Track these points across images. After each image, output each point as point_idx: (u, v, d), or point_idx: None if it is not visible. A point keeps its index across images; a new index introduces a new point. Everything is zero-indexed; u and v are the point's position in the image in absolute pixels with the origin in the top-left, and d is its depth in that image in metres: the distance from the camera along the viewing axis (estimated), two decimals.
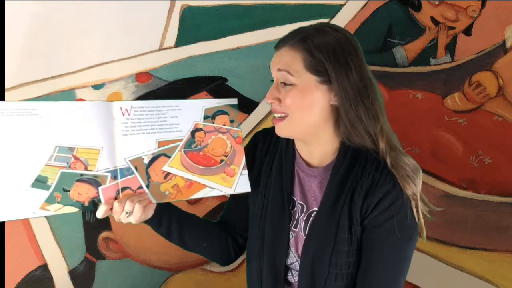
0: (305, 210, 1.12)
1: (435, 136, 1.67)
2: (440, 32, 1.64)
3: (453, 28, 1.64)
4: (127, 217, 0.99)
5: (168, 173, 1.05)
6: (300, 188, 1.14)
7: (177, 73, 1.65)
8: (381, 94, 1.07)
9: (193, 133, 1.10)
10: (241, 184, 1.12)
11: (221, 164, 1.11)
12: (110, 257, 1.68)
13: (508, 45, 1.60)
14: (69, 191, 0.96)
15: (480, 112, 1.64)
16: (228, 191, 1.10)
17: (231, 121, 1.15)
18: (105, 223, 1.65)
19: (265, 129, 1.26)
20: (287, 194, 1.13)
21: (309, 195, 1.12)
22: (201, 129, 1.11)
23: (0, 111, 0.93)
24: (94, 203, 0.98)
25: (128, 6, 1.59)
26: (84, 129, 0.99)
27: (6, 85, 1.52)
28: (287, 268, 1.14)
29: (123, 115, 1.03)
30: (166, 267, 1.73)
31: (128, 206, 0.97)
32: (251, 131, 1.67)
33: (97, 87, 1.61)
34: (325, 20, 1.64)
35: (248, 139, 1.26)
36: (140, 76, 1.63)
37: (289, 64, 1.02)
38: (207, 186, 1.09)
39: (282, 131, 1.08)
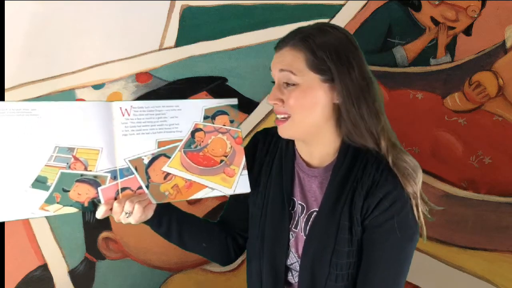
0: (305, 211, 1.12)
1: (435, 136, 1.67)
2: (440, 32, 1.64)
3: (453, 28, 1.64)
4: (127, 217, 0.99)
5: (168, 174, 1.05)
6: (300, 188, 1.14)
7: (177, 73, 1.65)
8: (382, 92, 1.07)
9: (193, 133, 1.10)
10: (241, 184, 1.11)
11: (221, 164, 1.11)
12: (110, 257, 1.68)
13: (508, 45, 1.60)
14: (68, 191, 0.96)
15: (480, 112, 1.64)
16: (228, 191, 1.10)
17: (231, 121, 1.15)
18: (105, 223, 1.66)
19: (265, 129, 1.26)
20: (287, 195, 1.13)
21: (309, 196, 1.12)
22: (201, 129, 1.11)
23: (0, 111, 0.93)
24: (94, 204, 0.97)
25: (128, 6, 1.59)
26: (83, 129, 0.99)
27: (6, 85, 1.52)
28: (287, 269, 1.14)
29: (123, 115, 1.03)
30: (166, 267, 1.73)
31: (127, 206, 0.97)
32: (251, 131, 1.67)
33: (97, 87, 1.61)
34: (325, 20, 1.64)
35: (248, 139, 1.26)
36: (140, 76, 1.63)
37: (292, 64, 1.02)
38: (207, 186, 1.09)
39: (285, 132, 1.07)
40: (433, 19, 1.64)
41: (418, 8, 1.65)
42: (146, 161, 1.04)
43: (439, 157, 1.67)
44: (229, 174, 1.11)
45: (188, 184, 1.07)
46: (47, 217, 1.58)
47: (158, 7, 1.62)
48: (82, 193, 0.96)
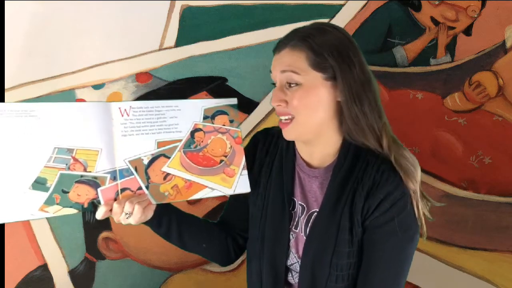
0: (305, 211, 1.12)
1: (435, 136, 1.67)
2: (440, 32, 1.64)
3: (453, 28, 1.64)
4: (127, 218, 0.98)
5: (168, 174, 1.05)
6: (301, 188, 1.14)
7: (177, 73, 1.65)
8: (380, 90, 1.08)
9: (192, 133, 1.10)
10: (241, 184, 1.11)
11: (221, 164, 1.11)
12: (110, 257, 1.68)
13: (508, 45, 1.60)
14: (68, 192, 0.95)
15: (480, 112, 1.64)
16: (228, 191, 1.10)
17: (231, 121, 1.14)
18: (105, 223, 1.66)
19: (265, 129, 1.26)
20: (287, 195, 1.13)
21: (310, 196, 1.12)
22: (200, 129, 1.11)
23: None
24: (94, 205, 0.97)
25: (128, 6, 1.59)
26: (83, 130, 0.99)
27: (6, 85, 1.52)
28: (287, 269, 1.14)
29: (122, 115, 1.03)
30: (166, 267, 1.73)
31: (127, 207, 0.97)
32: (251, 131, 1.67)
33: (97, 87, 1.61)
34: (325, 20, 1.64)
35: (248, 139, 1.26)
36: (140, 76, 1.63)
37: (293, 64, 1.02)
38: (206, 186, 1.08)
39: (289, 134, 1.07)
40: (433, 19, 1.64)
41: (418, 8, 1.64)
42: (145, 161, 1.03)
43: (439, 157, 1.67)
44: (229, 174, 1.11)
45: (188, 185, 1.07)
46: (47, 218, 1.58)
47: (158, 7, 1.62)
48: (81, 194, 0.96)
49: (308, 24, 1.08)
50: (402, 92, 1.67)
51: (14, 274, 1.60)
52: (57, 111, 0.98)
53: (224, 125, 1.14)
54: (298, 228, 1.12)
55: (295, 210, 1.13)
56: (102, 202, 0.98)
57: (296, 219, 1.13)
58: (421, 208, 1.03)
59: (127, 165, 1.01)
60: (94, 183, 0.98)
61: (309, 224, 1.10)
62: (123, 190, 1.00)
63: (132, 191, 1.01)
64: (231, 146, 1.13)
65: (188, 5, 1.62)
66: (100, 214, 0.97)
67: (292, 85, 1.02)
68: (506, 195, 1.64)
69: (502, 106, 1.62)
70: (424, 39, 1.66)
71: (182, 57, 1.64)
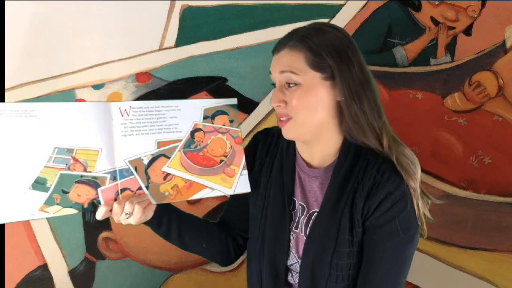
0: (305, 211, 1.12)
1: (435, 136, 1.67)
2: (440, 32, 1.64)
3: (453, 28, 1.64)
4: (127, 218, 0.98)
5: (168, 174, 1.05)
6: (301, 189, 1.14)
7: (177, 73, 1.65)
8: (380, 90, 1.08)
9: (192, 133, 1.10)
10: (241, 184, 1.11)
11: (221, 164, 1.11)
12: (110, 257, 1.68)
13: (508, 45, 1.60)
14: (68, 192, 0.95)
15: (480, 112, 1.64)
16: (228, 191, 1.10)
17: (231, 121, 1.14)
18: (105, 223, 1.66)
19: (266, 129, 1.26)
20: (287, 195, 1.13)
21: (310, 196, 1.12)
22: (200, 129, 1.11)
23: None
24: (94, 205, 0.97)
25: (128, 6, 1.59)
26: (83, 130, 0.99)
27: (6, 85, 1.52)
28: (288, 269, 1.14)
29: (122, 115, 1.03)
30: (166, 267, 1.73)
31: (127, 207, 0.97)
32: (251, 131, 1.67)
33: (97, 87, 1.61)
34: (325, 20, 1.64)
35: (248, 139, 1.26)
36: (140, 76, 1.63)
37: (292, 64, 1.02)
38: (207, 186, 1.08)
39: (288, 133, 1.07)
40: (433, 19, 1.64)
41: (418, 8, 1.64)
42: (145, 161, 1.03)
43: (439, 157, 1.67)
44: (229, 174, 1.11)
45: (188, 185, 1.07)
46: (47, 218, 1.58)
47: (158, 7, 1.62)
48: (81, 194, 0.96)
49: (307, 24, 1.08)
50: (402, 92, 1.67)
51: (14, 274, 1.60)
52: (57, 111, 0.98)
53: (224, 125, 1.14)
54: (299, 228, 1.12)
55: (295, 210, 1.13)
56: (102, 202, 0.98)
57: (296, 219, 1.13)
58: (421, 207, 1.03)
59: (127, 165, 1.01)
60: (94, 183, 0.98)
61: (309, 224, 1.10)
62: (123, 190, 1.00)
63: (132, 191, 1.01)
64: (231, 146, 1.13)
65: (188, 5, 1.62)
66: (100, 214, 0.97)
67: (291, 85, 1.03)
68: (506, 195, 1.64)
69: (502, 106, 1.62)
70: (424, 39, 1.66)
71: (182, 57, 1.64)
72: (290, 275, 1.14)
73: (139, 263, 1.70)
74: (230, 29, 1.65)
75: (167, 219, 1.11)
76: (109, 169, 0.99)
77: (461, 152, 1.66)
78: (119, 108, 1.03)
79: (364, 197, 1.03)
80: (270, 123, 1.65)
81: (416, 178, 1.02)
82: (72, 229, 1.64)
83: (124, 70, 1.62)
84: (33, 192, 0.93)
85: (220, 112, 1.14)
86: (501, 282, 1.68)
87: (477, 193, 1.66)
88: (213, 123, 1.12)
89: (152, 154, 1.05)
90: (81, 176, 0.97)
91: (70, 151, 0.97)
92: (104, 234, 1.67)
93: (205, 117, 1.12)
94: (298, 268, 1.10)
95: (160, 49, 1.63)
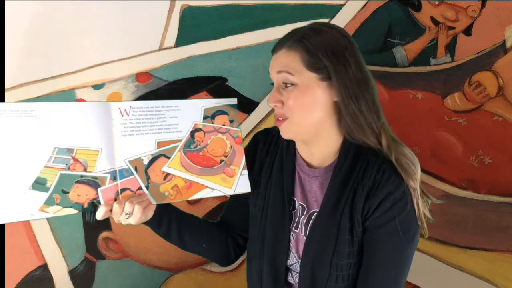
0: (305, 211, 1.12)
1: (435, 136, 1.67)
2: (440, 32, 1.64)
3: (453, 28, 1.64)
4: (127, 218, 0.98)
5: (168, 174, 1.05)
6: (301, 188, 1.14)
7: (177, 73, 1.65)
8: (379, 90, 1.08)
9: (192, 133, 1.10)
10: (241, 184, 1.11)
11: (221, 164, 1.11)
12: (110, 257, 1.68)
13: (508, 45, 1.60)
14: (68, 192, 0.95)
15: (480, 112, 1.64)
16: (228, 191, 1.10)
17: (231, 121, 1.15)
18: (105, 223, 1.66)
19: (266, 129, 1.26)
20: (287, 195, 1.13)
21: (310, 196, 1.12)
22: (200, 129, 1.11)
23: None
24: (94, 205, 0.97)
25: (128, 6, 1.59)
26: (83, 130, 0.99)
27: (6, 85, 1.52)
28: (288, 269, 1.14)
29: (122, 115, 1.03)
30: (166, 267, 1.73)
31: (127, 207, 0.97)
32: (251, 131, 1.68)
33: (97, 87, 1.61)
34: (325, 20, 1.64)
35: (248, 139, 1.26)
36: (140, 76, 1.63)
37: (288, 65, 1.02)
38: (207, 186, 1.08)
39: (286, 133, 1.08)
40: (433, 19, 1.64)
41: (418, 8, 1.64)
42: (145, 161, 1.03)
43: (439, 157, 1.67)
44: (229, 174, 1.11)
45: (188, 185, 1.07)
46: (47, 218, 1.58)
47: (158, 7, 1.61)
48: (81, 194, 0.96)
49: (307, 24, 1.08)
50: (402, 92, 1.67)
51: (14, 274, 1.60)
52: (57, 111, 0.98)
53: (224, 125, 1.14)
54: (299, 228, 1.12)
55: (295, 210, 1.13)
56: (102, 202, 0.98)
57: (296, 219, 1.13)
58: (421, 207, 1.03)
59: (127, 165, 1.01)
60: (94, 183, 0.98)
61: (309, 224, 1.10)
62: (123, 190, 1.00)
63: (132, 191, 1.01)
64: (231, 146, 1.13)
65: (188, 5, 1.62)
66: (100, 214, 0.97)
67: (288, 85, 1.03)
68: (506, 195, 1.64)
69: (502, 106, 1.62)
70: (424, 39, 1.66)
71: (182, 57, 1.64)
72: (290, 275, 1.14)
73: (139, 263, 1.70)
74: (230, 29, 1.65)
75: (167, 219, 1.11)
76: (109, 169, 0.99)
77: (461, 152, 1.66)
78: (119, 108, 1.03)
79: (364, 197, 1.03)
80: (270, 123, 1.65)
81: (416, 178, 1.02)
82: (72, 229, 1.64)
83: (124, 70, 1.62)
84: (33, 192, 0.93)
85: (220, 112, 1.14)
86: (501, 282, 1.68)
87: (477, 193, 1.66)
88: (213, 123, 1.12)
89: (152, 154, 1.05)
90: (81, 176, 0.97)
91: (70, 151, 0.97)
92: (104, 234, 1.67)
93: (205, 117, 1.12)
94: (298, 268, 1.10)
95: (160, 49, 1.63)
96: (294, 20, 1.62)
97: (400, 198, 1.01)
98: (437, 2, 1.63)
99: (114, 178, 0.99)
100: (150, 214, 1.04)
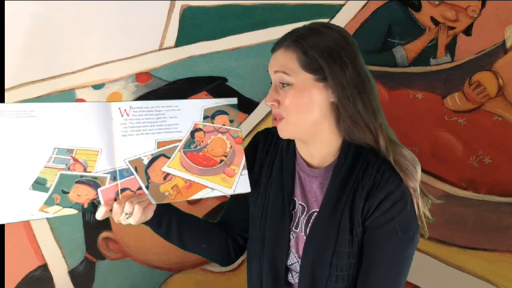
0: (305, 211, 1.12)
1: (435, 136, 1.67)
2: (440, 32, 1.64)
3: (453, 28, 1.63)
4: (127, 218, 0.99)
5: (168, 174, 1.05)
6: (301, 188, 1.14)
7: (177, 73, 1.65)
8: (377, 89, 1.08)
9: (192, 133, 1.10)
10: (241, 184, 1.11)
11: (221, 164, 1.11)
12: (110, 257, 1.68)
13: (508, 45, 1.60)
14: (68, 193, 0.95)
15: (480, 112, 1.64)
16: (228, 191, 1.10)
17: (231, 121, 1.15)
18: (105, 223, 1.66)
19: (266, 129, 1.26)
20: (287, 195, 1.13)
21: (310, 196, 1.12)
22: (200, 129, 1.11)
23: None
24: (94, 205, 0.97)
25: (128, 6, 1.59)
26: (83, 130, 0.99)
27: (6, 85, 1.52)
28: (288, 269, 1.14)
29: (122, 115, 1.03)
30: (166, 267, 1.73)
31: (127, 207, 0.97)
32: (251, 131, 1.68)
33: (97, 87, 1.61)
34: (325, 20, 1.64)
35: (248, 139, 1.26)
36: (140, 76, 1.63)
37: (285, 65, 1.03)
38: (207, 186, 1.08)
39: (283, 132, 1.08)
40: (433, 19, 1.64)
41: (418, 8, 1.64)
42: (145, 161, 1.04)
43: (439, 157, 1.67)
44: (229, 174, 1.11)
45: (188, 185, 1.07)
46: (47, 218, 1.58)
47: (158, 7, 1.61)
48: (81, 194, 0.96)
49: (306, 24, 1.08)
50: (402, 92, 1.67)
51: (14, 274, 1.60)
52: (57, 111, 0.98)
53: (224, 125, 1.14)
54: (299, 228, 1.12)
55: (295, 210, 1.13)
56: (102, 202, 0.98)
57: (296, 219, 1.13)
58: (421, 207, 1.03)
59: (127, 165, 1.01)
60: (94, 183, 0.98)
61: (309, 224, 1.10)
62: (123, 190, 1.00)
63: (132, 191, 1.01)
64: (231, 146, 1.13)
65: (188, 5, 1.62)
66: (100, 214, 0.97)
67: (284, 85, 1.03)
68: (506, 195, 1.64)
69: (502, 106, 1.62)
70: (424, 39, 1.65)
71: (182, 57, 1.64)
72: (290, 275, 1.15)
73: (139, 263, 1.70)
74: (230, 29, 1.65)
75: (167, 219, 1.11)
76: (109, 169, 1.00)
77: (461, 152, 1.66)
78: (119, 108, 1.03)
79: (364, 197, 1.03)
80: (270, 123, 1.65)
81: (415, 179, 1.02)
82: (72, 229, 1.64)
83: (124, 70, 1.62)
84: (33, 192, 0.93)
85: (220, 112, 1.14)
86: (501, 282, 1.68)
87: (477, 193, 1.66)
88: (213, 123, 1.12)
89: (152, 154, 1.05)
90: (81, 176, 0.97)
91: (70, 151, 0.97)
92: (104, 234, 1.67)
93: (205, 117, 1.12)
94: (298, 268, 1.10)
95: (160, 49, 1.63)
96: (294, 20, 1.62)
97: (400, 198, 1.01)
98: (437, 2, 1.63)
99: (114, 178, 1.00)
100: (150, 214, 1.04)
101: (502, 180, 1.64)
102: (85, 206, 0.97)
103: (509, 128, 1.62)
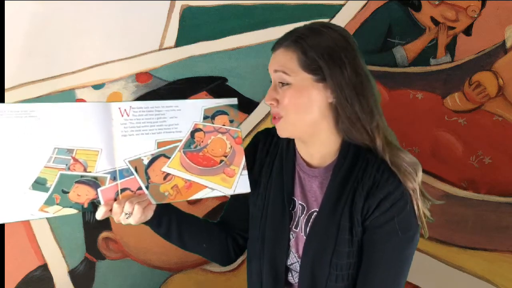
0: (305, 211, 1.12)
1: (435, 136, 1.67)
2: (440, 32, 1.64)
3: (453, 28, 1.63)
4: (127, 218, 0.99)
5: (168, 174, 1.05)
6: (301, 188, 1.14)
7: (177, 73, 1.64)
8: (378, 90, 1.08)
9: (192, 133, 1.10)
10: (241, 184, 1.11)
11: (221, 164, 1.11)
12: (110, 257, 1.68)
13: (508, 45, 1.60)
14: (68, 192, 0.96)
15: (480, 112, 1.64)
16: (228, 191, 1.10)
17: (231, 121, 1.15)
18: (105, 223, 1.66)
19: (266, 129, 1.26)
20: (287, 195, 1.13)
21: (310, 196, 1.12)
22: (200, 130, 1.11)
23: None
24: (94, 205, 0.97)
25: (128, 6, 1.59)
26: (83, 130, 0.99)
27: (6, 85, 1.52)
28: (288, 269, 1.14)
29: (122, 115, 1.03)
30: (166, 267, 1.73)
31: (127, 207, 0.97)
32: (251, 131, 1.67)
33: (97, 87, 1.61)
34: (325, 20, 1.63)
35: (248, 140, 1.26)
36: (140, 76, 1.63)
37: (285, 64, 1.03)
38: (206, 186, 1.09)
39: (281, 132, 1.08)
40: (433, 19, 1.64)
41: (418, 8, 1.64)
42: (145, 161, 1.04)
43: (439, 157, 1.67)
44: (229, 174, 1.11)
45: (188, 185, 1.07)
46: (47, 218, 1.58)
47: (158, 7, 1.61)
48: (81, 194, 0.96)
49: (306, 24, 1.08)
50: (402, 92, 1.67)
51: (14, 274, 1.60)
52: (57, 111, 0.98)
53: (224, 125, 1.14)
54: (298, 228, 1.12)
55: (295, 209, 1.14)
56: (102, 202, 0.98)
57: (296, 218, 1.13)
58: (421, 207, 1.03)
59: (127, 165, 1.01)
60: (94, 183, 0.98)
61: (309, 224, 1.10)
62: (123, 190, 1.00)
63: (132, 191, 1.01)
64: (231, 146, 1.13)
65: (188, 5, 1.62)
66: (100, 214, 0.97)
67: (284, 84, 1.03)
68: (506, 195, 1.64)
69: (502, 106, 1.62)
70: (424, 39, 1.65)
71: (182, 57, 1.64)
72: (290, 275, 1.15)
73: (139, 263, 1.70)
74: (230, 29, 1.65)
75: (167, 219, 1.11)
76: (109, 169, 1.00)
77: (461, 152, 1.66)
78: (119, 108, 1.03)
79: (363, 197, 1.03)
80: (270, 123, 1.65)
81: (414, 179, 1.02)
82: (72, 229, 1.64)
83: (124, 70, 1.62)
84: (33, 192, 0.93)
85: (220, 112, 1.14)
86: (501, 282, 1.68)
87: (477, 193, 1.66)
88: (213, 123, 1.13)
89: (152, 154, 1.05)
90: (81, 176, 0.97)
91: (70, 151, 0.97)
92: (104, 234, 1.66)
93: (205, 117, 1.12)
94: (298, 268, 1.11)
95: (160, 49, 1.63)
96: (294, 20, 1.62)
97: (400, 198, 1.01)
98: (437, 2, 1.63)
99: (114, 178, 1.00)
100: (150, 214, 1.04)
101: (502, 180, 1.64)
102: (85, 206, 0.97)
103: (509, 128, 1.62)
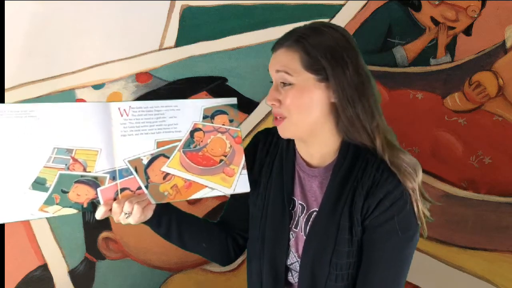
0: (305, 211, 1.12)
1: (435, 136, 1.67)
2: (440, 32, 1.64)
3: (453, 28, 1.63)
4: (126, 218, 0.99)
5: (167, 174, 1.05)
6: (301, 188, 1.14)
7: (177, 73, 1.64)
8: (378, 90, 1.08)
9: (192, 133, 1.10)
10: (241, 184, 1.11)
11: (221, 164, 1.11)
12: (110, 257, 1.68)
13: (508, 45, 1.60)
14: (68, 192, 0.96)
15: (480, 112, 1.64)
16: (227, 191, 1.10)
17: (231, 121, 1.15)
18: (105, 223, 1.66)
19: (266, 129, 1.26)
20: (287, 195, 1.13)
21: (310, 195, 1.12)
22: (200, 129, 1.11)
23: None
24: (93, 204, 0.97)
25: (128, 6, 1.59)
26: (82, 130, 0.99)
27: (6, 85, 1.52)
28: (287, 269, 1.14)
29: (122, 115, 1.03)
30: (166, 267, 1.73)
31: (127, 207, 0.97)
32: (251, 131, 1.67)
33: (97, 87, 1.61)
34: (325, 20, 1.63)
35: (248, 139, 1.26)
36: (140, 76, 1.63)
37: (287, 64, 1.02)
38: (206, 186, 1.09)
39: (284, 132, 1.08)
40: (433, 19, 1.64)
41: (418, 8, 1.64)
42: (145, 161, 1.04)
43: (439, 157, 1.67)
44: (229, 174, 1.11)
45: (188, 184, 1.07)
46: (47, 218, 1.58)
47: (158, 7, 1.61)
48: (81, 194, 0.96)
49: (306, 24, 1.08)
50: (402, 92, 1.67)
51: (14, 274, 1.60)
52: (57, 111, 0.98)
53: (223, 124, 1.14)
54: (298, 228, 1.12)
55: (295, 209, 1.13)
56: (101, 202, 0.98)
57: (296, 218, 1.13)
58: (421, 207, 1.03)
59: (126, 165, 1.01)
60: (93, 183, 0.98)
61: (309, 224, 1.10)
62: (122, 190, 1.00)
63: (131, 191, 1.01)
64: (230, 146, 1.13)
65: (188, 5, 1.62)
66: (99, 214, 0.97)
67: (285, 85, 1.03)
68: (506, 195, 1.64)
69: (502, 106, 1.62)
70: (424, 39, 1.65)
71: (182, 57, 1.64)
72: (290, 275, 1.15)
73: (139, 263, 1.70)
74: (230, 29, 1.65)
75: (167, 219, 1.11)
76: (108, 169, 1.00)
77: (461, 152, 1.66)
78: (119, 108, 1.03)
79: (363, 196, 1.03)
80: (270, 123, 1.65)
81: (413, 179, 1.02)
82: (72, 229, 1.64)
83: (124, 70, 1.62)
84: (33, 192, 0.93)
85: (219, 111, 1.14)
86: (501, 282, 1.68)
87: (477, 193, 1.66)
88: (212, 123, 1.12)
89: (152, 154, 1.05)
90: (81, 176, 0.97)
91: (69, 151, 0.97)
92: (104, 234, 1.67)
93: (204, 117, 1.12)
94: (298, 267, 1.11)
95: (160, 49, 1.63)
96: (294, 20, 1.62)
97: (399, 197, 1.01)
98: (437, 2, 1.63)
99: (113, 178, 1.00)
100: (149, 214, 1.04)
101: (502, 180, 1.64)
102: (85, 205, 0.97)
103: (509, 128, 1.62)
